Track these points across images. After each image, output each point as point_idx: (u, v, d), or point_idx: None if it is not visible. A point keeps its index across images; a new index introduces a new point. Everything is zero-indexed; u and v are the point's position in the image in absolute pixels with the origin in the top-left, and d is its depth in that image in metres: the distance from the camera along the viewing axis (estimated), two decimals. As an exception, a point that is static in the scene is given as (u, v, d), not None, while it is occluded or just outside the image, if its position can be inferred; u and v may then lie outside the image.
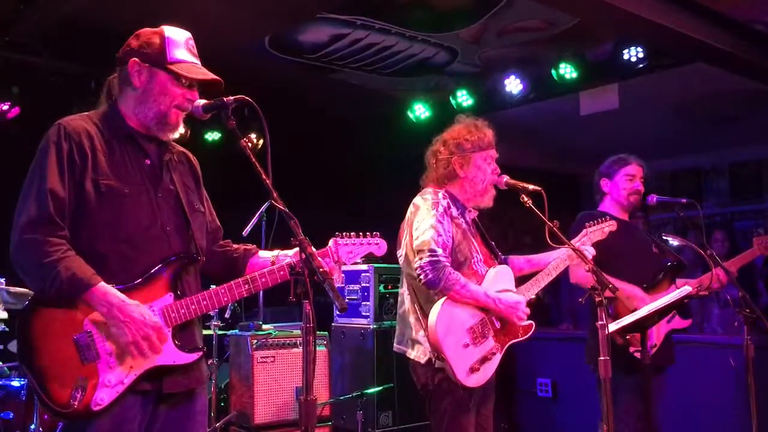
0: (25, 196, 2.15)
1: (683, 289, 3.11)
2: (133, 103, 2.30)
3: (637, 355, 3.37)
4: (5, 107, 5.80)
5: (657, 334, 3.62)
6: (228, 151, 5.68)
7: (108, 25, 5.25)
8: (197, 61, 2.34)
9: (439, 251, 2.97)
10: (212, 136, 7.22)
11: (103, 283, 2.11)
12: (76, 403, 2.06)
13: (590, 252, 3.23)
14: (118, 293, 2.12)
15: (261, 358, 4.72)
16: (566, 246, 3.03)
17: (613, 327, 3.02)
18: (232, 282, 2.27)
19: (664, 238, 4.16)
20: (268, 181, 2.11)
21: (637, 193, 3.80)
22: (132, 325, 2.10)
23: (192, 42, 2.35)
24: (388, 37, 6.12)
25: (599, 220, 3.44)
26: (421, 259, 2.97)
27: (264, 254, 2.49)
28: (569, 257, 3.23)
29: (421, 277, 2.96)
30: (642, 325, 3.09)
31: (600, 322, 2.74)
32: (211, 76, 2.31)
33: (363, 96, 7.43)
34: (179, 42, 2.30)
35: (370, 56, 6.50)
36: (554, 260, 3.26)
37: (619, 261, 3.61)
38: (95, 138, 2.22)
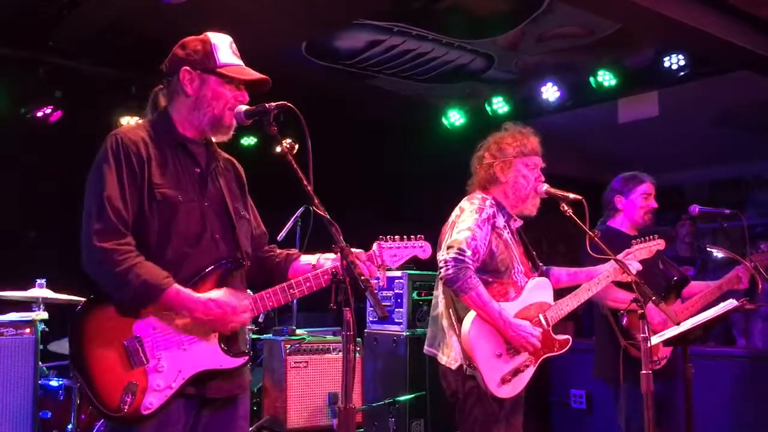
0: (89, 209, 2.18)
1: (729, 302, 3.05)
2: (186, 111, 2.34)
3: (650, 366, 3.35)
4: (48, 111, 5.91)
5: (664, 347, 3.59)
6: (263, 156, 5.73)
7: (149, 31, 5.32)
8: (242, 63, 2.38)
9: (468, 252, 2.95)
10: (248, 141, 7.28)
11: (175, 286, 2.15)
12: (127, 407, 2.10)
13: (636, 267, 3.18)
14: (190, 293, 2.17)
15: (294, 363, 4.72)
16: (609, 258, 2.98)
17: (656, 340, 2.96)
18: (277, 287, 2.29)
19: (708, 249, 4.12)
20: (309, 188, 2.11)
21: (652, 211, 3.85)
22: (217, 320, 2.17)
23: (234, 45, 2.39)
24: (424, 44, 6.11)
25: (647, 237, 3.42)
26: (448, 253, 2.96)
27: (306, 258, 2.50)
28: (612, 274, 3.18)
29: (442, 271, 2.96)
30: (685, 338, 3.03)
31: (642, 335, 2.69)
32: (259, 75, 2.36)
33: (398, 102, 7.43)
34: (224, 46, 2.35)
35: (406, 62, 6.49)
36: (597, 277, 3.21)
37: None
38: (150, 147, 2.26)
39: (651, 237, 3.42)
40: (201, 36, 2.37)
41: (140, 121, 2.40)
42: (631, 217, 3.86)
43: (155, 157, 2.25)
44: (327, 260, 2.39)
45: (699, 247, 4.11)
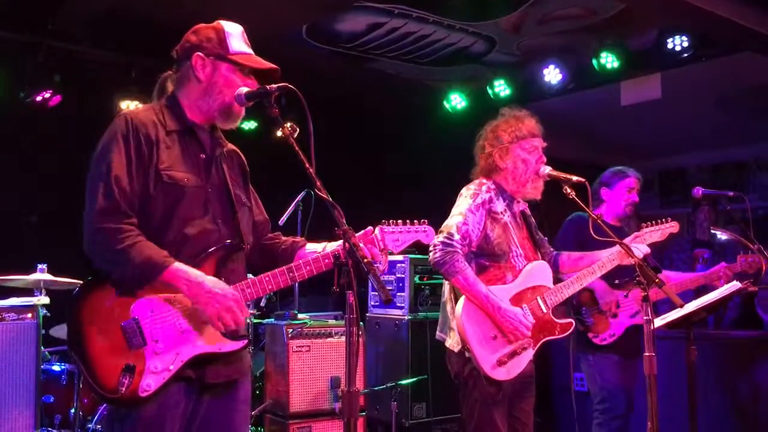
0: (95, 188, 2.17)
1: (732, 284, 3.05)
2: (196, 96, 2.35)
3: (596, 341, 3.79)
4: (47, 95, 5.87)
5: (618, 325, 3.80)
6: (264, 141, 5.71)
7: (150, 15, 5.28)
8: (252, 52, 2.39)
9: (457, 237, 2.98)
10: (249, 125, 7.24)
11: (177, 263, 2.15)
12: (124, 389, 2.10)
13: (644, 250, 3.18)
14: (195, 270, 2.17)
15: (296, 347, 4.72)
16: (612, 240, 2.98)
17: (659, 322, 2.97)
18: (276, 270, 2.28)
19: (712, 232, 4.18)
20: (311, 171, 2.10)
21: (633, 204, 4.09)
22: (213, 299, 2.15)
23: (245, 34, 2.41)
24: (425, 26, 6.06)
25: (660, 220, 3.41)
26: (437, 238, 2.98)
27: (312, 246, 2.50)
28: (618, 257, 3.16)
29: (431, 254, 2.99)
30: (689, 320, 3.03)
31: (646, 317, 2.70)
32: (270, 65, 2.37)
33: (399, 85, 7.38)
34: (236, 34, 2.37)
35: (407, 45, 6.45)
36: (602, 260, 3.20)
37: None
38: (159, 130, 2.27)
39: (664, 220, 3.41)
40: (214, 23, 2.38)
41: (150, 105, 2.40)
42: (613, 208, 4.09)
43: (164, 140, 2.26)
44: (333, 248, 2.37)
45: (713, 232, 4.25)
